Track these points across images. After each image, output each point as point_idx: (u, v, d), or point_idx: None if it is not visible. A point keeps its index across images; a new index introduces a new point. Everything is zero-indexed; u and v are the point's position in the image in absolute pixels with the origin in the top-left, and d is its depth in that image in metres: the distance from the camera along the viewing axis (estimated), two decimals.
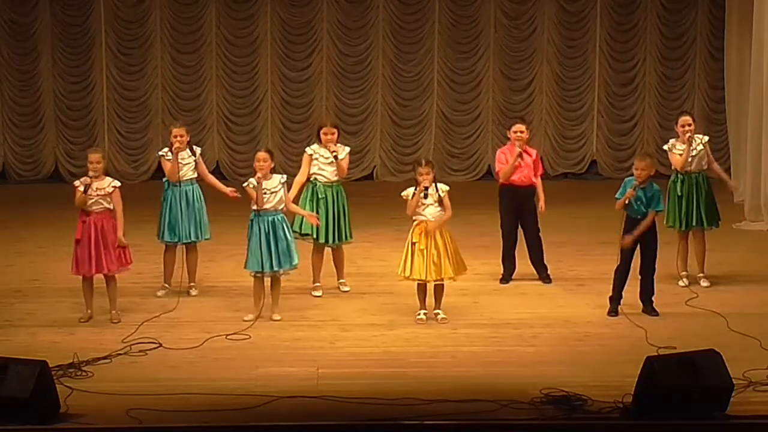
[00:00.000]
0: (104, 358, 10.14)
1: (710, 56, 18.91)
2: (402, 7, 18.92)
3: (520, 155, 12.39)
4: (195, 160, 12.09)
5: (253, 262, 11.31)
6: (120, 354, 10.30)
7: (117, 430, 8.77)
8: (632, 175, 11.50)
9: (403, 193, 11.37)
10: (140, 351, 10.40)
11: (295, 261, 11.43)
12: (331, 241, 12.16)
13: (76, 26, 18.60)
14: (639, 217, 11.39)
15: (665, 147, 12.66)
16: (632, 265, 11.50)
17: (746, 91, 16.34)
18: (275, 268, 11.31)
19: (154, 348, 10.50)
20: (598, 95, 19.19)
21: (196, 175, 12.13)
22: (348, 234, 12.26)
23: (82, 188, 11.06)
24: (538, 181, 12.66)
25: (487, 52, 19.04)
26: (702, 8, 18.94)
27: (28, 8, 18.49)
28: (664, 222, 12.43)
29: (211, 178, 12.36)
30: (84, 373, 9.74)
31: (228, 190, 12.19)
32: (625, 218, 11.47)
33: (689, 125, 12.33)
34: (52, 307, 11.73)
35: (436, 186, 11.26)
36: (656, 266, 11.54)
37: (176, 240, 12.07)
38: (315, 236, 12.10)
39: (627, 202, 11.31)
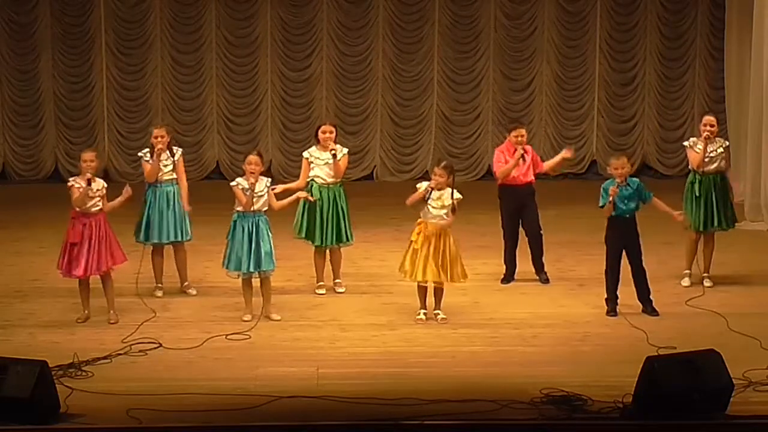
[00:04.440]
0: (104, 358, 10.15)
1: (710, 56, 18.90)
2: (402, 7, 18.92)
3: (522, 158, 12.40)
4: (174, 162, 12.04)
5: (234, 262, 11.29)
6: (120, 354, 10.31)
7: (117, 430, 8.78)
8: (609, 179, 11.53)
9: (417, 185, 11.38)
10: (140, 351, 10.40)
11: (275, 264, 11.40)
12: (328, 242, 12.15)
13: (76, 26, 18.59)
14: (627, 216, 11.40)
15: (685, 143, 12.63)
16: (622, 264, 11.51)
17: (746, 91, 16.34)
18: (257, 269, 11.27)
19: (154, 348, 10.50)
20: (598, 95, 19.18)
21: (175, 176, 12.07)
22: (348, 236, 12.24)
23: (84, 184, 11.03)
24: (546, 165, 12.75)
25: (487, 52, 19.04)
26: (702, 8, 18.93)
27: (28, 8, 18.49)
28: (685, 226, 12.37)
29: (183, 184, 12.10)
30: (84, 373, 9.74)
31: (186, 204, 12.00)
32: (609, 219, 11.48)
33: (711, 126, 12.31)
34: (52, 307, 11.73)
35: (452, 192, 11.23)
36: (645, 266, 11.53)
37: (158, 240, 12.05)
38: (312, 239, 12.10)
39: (612, 200, 11.31)
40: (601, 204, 11.47)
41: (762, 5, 15.32)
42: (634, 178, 11.57)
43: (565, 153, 12.80)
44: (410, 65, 19.05)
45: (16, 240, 14.65)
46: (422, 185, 11.30)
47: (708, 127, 12.30)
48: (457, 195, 11.25)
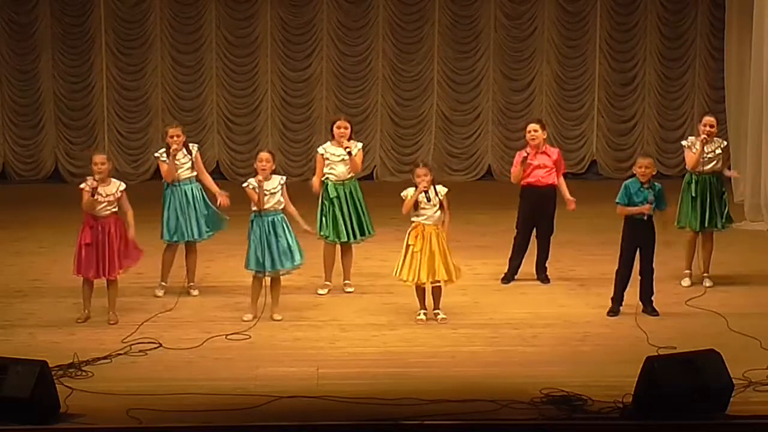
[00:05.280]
0: (104, 358, 10.15)
1: (710, 56, 18.90)
2: (402, 7, 18.92)
3: (524, 160, 12.36)
4: (191, 159, 12.06)
5: (253, 261, 11.32)
6: (120, 354, 10.31)
7: (117, 430, 8.78)
8: (631, 177, 11.49)
9: (402, 193, 11.38)
10: (140, 351, 10.41)
11: (297, 260, 11.38)
12: (351, 238, 12.15)
13: (76, 26, 18.59)
14: (645, 218, 11.34)
15: (684, 143, 12.60)
16: (634, 266, 11.51)
17: (746, 91, 16.34)
18: (275, 268, 11.30)
19: (154, 348, 10.51)
20: (598, 95, 19.18)
21: (194, 173, 12.10)
22: (369, 229, 12.25)
23: (90, 192, 11.01)
24: (561, 180, 12.60)
25: (487, 52, 19.04)
26: (702, 8, 18.94)
27: (28, 8, 18.49)
28: (675, 223, 12.41)
29: (206, 179, 12.24)
30: (84, 373, 9.75)
31: (219, 194, 11.96)
32: (627, 219, 11.45)
33: (711, 126, 12.30)
34: (52, 307, 11.73)
35: (435, 188, 11.27)
36: (654, 266, 11.54)
37: (177, 239, 12.05)
38: (337, 237, 12.08)
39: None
40: (618, 200, 11.42)
41: (762, 5, 15.32)
42: (657, 184, 11.51)
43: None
44: (410, 65, 19.05)
45: (16, 240, 14.65)
46: (408, 191, 11.31)
47: (708, 128, 12.30)
48: (441, 189, 11.29)
